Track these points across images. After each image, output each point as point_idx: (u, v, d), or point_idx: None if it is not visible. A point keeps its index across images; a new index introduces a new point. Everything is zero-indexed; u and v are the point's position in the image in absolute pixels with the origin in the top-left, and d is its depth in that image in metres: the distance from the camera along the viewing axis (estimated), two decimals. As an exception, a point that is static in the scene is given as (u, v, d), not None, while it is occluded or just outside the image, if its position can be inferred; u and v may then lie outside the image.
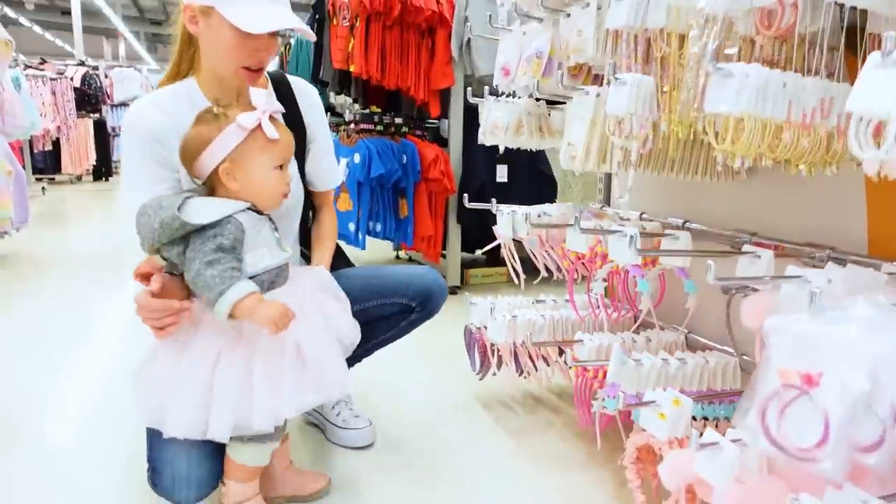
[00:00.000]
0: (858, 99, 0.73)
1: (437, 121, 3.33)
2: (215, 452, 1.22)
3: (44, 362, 2.22)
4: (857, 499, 0.87)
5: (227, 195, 1.14)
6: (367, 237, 3.13)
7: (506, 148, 3.17)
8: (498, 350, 1.77)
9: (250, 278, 1.12)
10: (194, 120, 1.15)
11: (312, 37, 1.28)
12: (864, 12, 1.00)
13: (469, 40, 3.10)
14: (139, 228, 1.11)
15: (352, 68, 2.98)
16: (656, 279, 1.52)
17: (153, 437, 1.22)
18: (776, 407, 0.83)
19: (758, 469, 1.01)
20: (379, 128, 3.15)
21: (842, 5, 0.99)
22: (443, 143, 3.28)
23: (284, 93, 1.43)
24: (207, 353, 1.11)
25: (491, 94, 1.80)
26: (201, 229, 1.08)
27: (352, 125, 3.21)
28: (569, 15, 1.45)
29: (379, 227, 3.04)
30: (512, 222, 1.67)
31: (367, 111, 3.30)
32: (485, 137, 1.80)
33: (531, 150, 3.22)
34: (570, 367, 1.49)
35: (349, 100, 3.60)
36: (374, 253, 4.02)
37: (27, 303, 3.05)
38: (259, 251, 1.14)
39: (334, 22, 3.08)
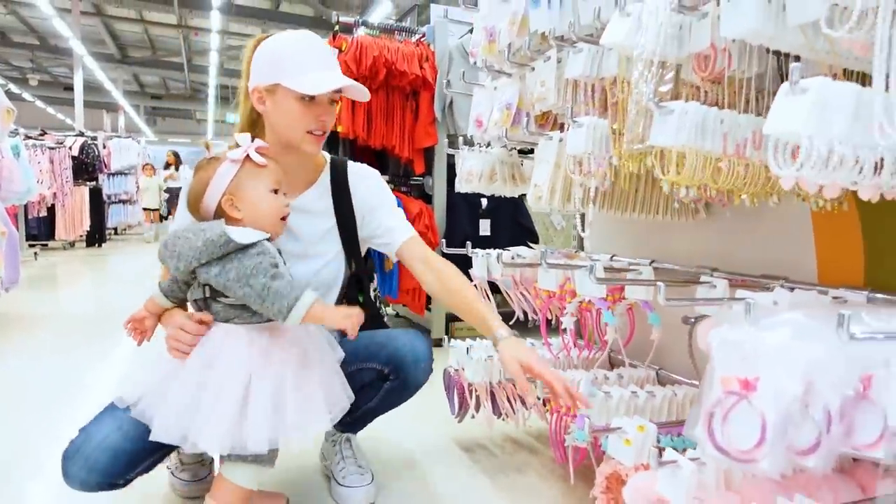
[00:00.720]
0: (772, 124, 0.82)
1: (421, 178, 3.44)
2: (133, 452, 1.26)
3: (29, 419, 2.22)
4: (808, 507, 0.90)
5: (235, 227, 1.24)
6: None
7: (488, 203, 3.32)
8: (475, 390, 1.80)
9: None
10: (193, 172, 1.30)
11: (366, 96, 1.42)
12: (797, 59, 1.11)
13: (451, 102, 3.25)
14: (175, 250, 1.21)
15: (339, 129, 3.11)
16: (624, 314, 1.57)
17: (99, 414, 1.31)
18: (720, 414, 0.87)
19: (715, 486, 1.04)
20: (365, 185, 3.26)
21: (768, 51, 1.10)
22: (427, 199, 3.38)
23: (339, 174, 1.55)
24: (239, 373, 1.20)
25: (466, 144, 1.91)
26: (243, 249, 1.18)
27: (339, 183, 3.32)
28: (533, 69, 1.57)
29: (364, 281, 3.09)
30: (486, 264, 1.73)
31: (355, 170, 3.42)
32: (461, 185, 1.89)
33: (513, 205, 3.35)
34: (541, 400, 1.52)
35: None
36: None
37: (13, 361, 3.05)
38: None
39: (323, 86, 3.23)
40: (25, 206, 7.55)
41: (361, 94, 1.41)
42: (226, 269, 1.17)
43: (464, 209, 3.28)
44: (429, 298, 3.32)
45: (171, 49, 15.81)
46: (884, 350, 0.83)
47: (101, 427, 1.27)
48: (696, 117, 1.04)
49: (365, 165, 1.62)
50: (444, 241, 1.92)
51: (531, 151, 1.94)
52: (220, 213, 1.26)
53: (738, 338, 0.87)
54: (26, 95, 17.46)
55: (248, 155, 1.25)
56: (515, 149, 1.88)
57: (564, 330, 1.57)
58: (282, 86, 1.32)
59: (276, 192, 1.29)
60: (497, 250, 1.78)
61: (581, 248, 2.19)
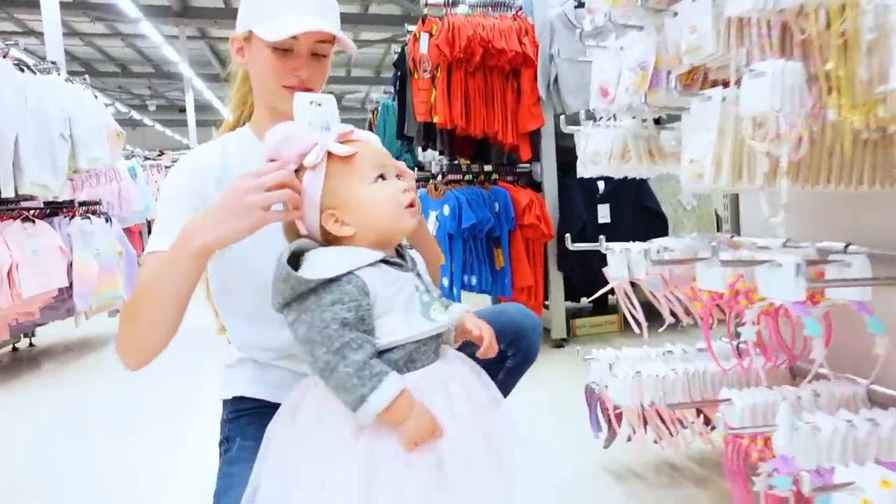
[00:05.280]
0: None
1: (528, 165, 3.15)
2: None
3: (152, 442, 2.18)
4: None
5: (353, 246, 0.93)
6: (463, 291, 2.95)
7: (606, 186, 2.97)
8: (623, 414, 1.50)
9: (379, 354, 0.88)
10: None
11: (352, 49, 1.15)
12: None
13: (556, 78, 2.94)
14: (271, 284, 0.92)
15: (436, 119, 2.89)
16: (821, 319, 1.21)
17: None
18: None
19: None
20: (468, 177, 3.02)
21: None
22: (536, 187, 3.09)
23: None
24: (345, 480, 0.84)
25: (589, 119, 1.60)
26: (316, 291, 0.85)
27: (439, 177, 3.10)
28: (676, 14, 1.24)
29: (474, 280, 2.86)
30: (627, 262, 1.42)
31: (455, 162, 3.19)
32: (585, 168, 1.59)
33: (636, 185, 2.98)
34: (720, 433, 1.20)
35: (436, 155, 3.52)
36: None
37: (133, 379, 3.10)
38: (392, 318, 0.88)
39: (415, 76, 3.03)
40: (150, 224, 8.01)
41: (345, 46, 1.13)
42: (300, 320, 0.87)
43: (578, 195, 2.96)
44: (546, 296, 3.04)
45: (270, 63, 16.37)
46: None
47: None
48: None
49: None
50: (567, 235, 1.62)
51: (661, 121, 1.62)
52: (328, 236, 0.93)
53: None
54: (146, 121, 18.82)
55: (328, 152, 0.91)
56: (648, 119, 1.55)
57: (738, 340, 1.23)
58: (254, 33, 1.10)
59: (382, 177, 0.94)
60: (638, 244, 1.47)
61: (736, 231, 1.81)
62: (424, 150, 3.51)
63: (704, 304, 1.34)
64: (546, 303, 3.07)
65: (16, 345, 3.89)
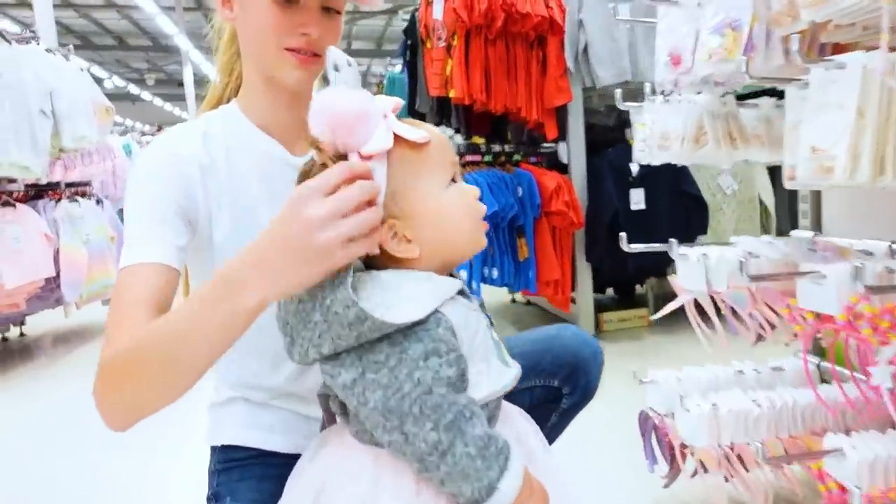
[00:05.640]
0: None
1: (552, 144, 2.87)
2: None
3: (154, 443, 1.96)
4: None
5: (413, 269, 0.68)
6: (483, 285, 2.69)
7: (640, 167, 2.68)
8: (692, 453, 1.25)
9: None
10: (297, 179, 0.68)
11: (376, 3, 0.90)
12: None
13: (586, 46, 2.63)
14: (286, 321, 0.66)
15: (451, 93, 2.60)
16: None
17: None
18: None
19: None
20: (487, 158, 2.74)
21: None
22: (562, 169, 2.81)
23: None
24: None
25: (654, 94, 1.32)
26: (390, 338, 0.61)
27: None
28: (787, -45, 0.96)
29: (496, 273, 2.60)
30: (705, 270, 1.16)
31: (471, 141, 2.91)
32: (649, 153, 1.31)
33: (673, 167, 2.69)
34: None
35: (449, 131, 3.24)
36: (486, 299, 3.58)
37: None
38: (476, 368, 0.66)
39: (428, 45, 2.73)
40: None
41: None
42: (365, 380, 0.61)
43: (609, 179, 2.67)
44: (573, 288, 2.78)
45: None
46: None
47: None
48: None
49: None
50: (623, 235, 1.35)
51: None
52: (386, 259, 0.67)
53: None
54: (145, 95, 18.42)
55: (395, 135, 0.64)
56: (728, 94, 1.27)
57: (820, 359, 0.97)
58: None
59: (453, 179, 0.69)
60: (716, 248, 1.20)
61: (817, 229, 1.54)
62: (437, 126, 3.23)
63: (805, 329, 1.08)
64: (573, 297, 2.81)
65: (5, 335, 3.67)
